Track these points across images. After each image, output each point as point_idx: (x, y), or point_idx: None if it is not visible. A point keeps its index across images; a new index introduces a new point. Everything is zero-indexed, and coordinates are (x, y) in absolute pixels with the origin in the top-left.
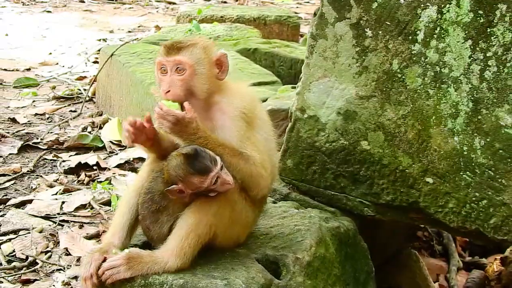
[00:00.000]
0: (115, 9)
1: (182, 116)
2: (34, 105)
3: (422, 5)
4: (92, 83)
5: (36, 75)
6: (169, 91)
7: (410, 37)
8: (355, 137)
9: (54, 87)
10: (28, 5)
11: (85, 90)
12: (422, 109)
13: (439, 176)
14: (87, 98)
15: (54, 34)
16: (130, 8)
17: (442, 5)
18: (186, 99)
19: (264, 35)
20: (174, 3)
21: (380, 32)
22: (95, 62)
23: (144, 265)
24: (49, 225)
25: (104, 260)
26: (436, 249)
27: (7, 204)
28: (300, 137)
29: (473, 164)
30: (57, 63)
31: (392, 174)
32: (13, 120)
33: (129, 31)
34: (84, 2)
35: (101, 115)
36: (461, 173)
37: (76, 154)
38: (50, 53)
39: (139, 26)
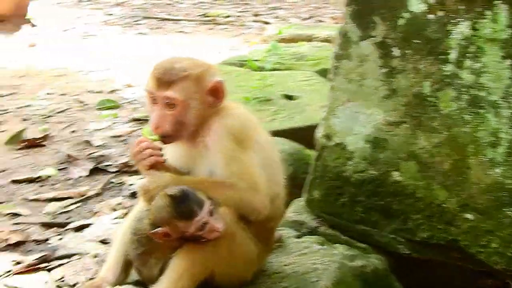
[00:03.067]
0: (209, 30)
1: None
2: (112, 128)
3: (453, 21)
4: None
5: (120, 96)
6: (158, 127)
7: (441, 57)
8: (385, 167)
9: (134, 109)
10: (124, 27)
11: None
12: (458, 136)
13: (479, 212)
14: None
15: (144, 56)
16: (224, 28)
17: (476, 21)
18: (176, 133)
19: None
20: (268, 23)
21: (408, 51)
22: None
23: None
24: (105, 250)
25: None
26: None
27: (66, 228)
28: (327, 166)
29: None
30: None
31: (427, 208)
32: (88, 143)
33: (219, 52)
34: (178, 23)
35: None
36: (505, 209)
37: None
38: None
39: (231, 47)
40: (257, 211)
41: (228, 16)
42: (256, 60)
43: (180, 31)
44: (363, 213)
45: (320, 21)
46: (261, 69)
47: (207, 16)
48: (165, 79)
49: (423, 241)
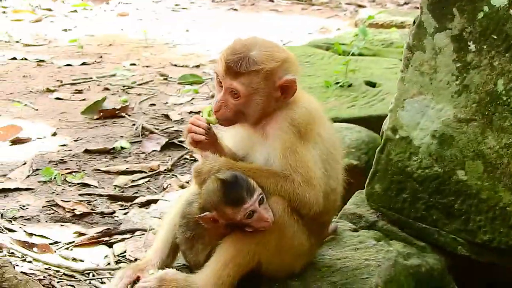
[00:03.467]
0: (303, 10)
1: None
2: (192, 103)
3: None
4: None
5: (203, 72)
6: (219, 110)
7: None
8: (450, 165)
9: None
10: (217, 2)
11: None
12: None
13: None
14: None
15: (234, 32)
16: (318, 9)
17: None
18: (235, 120)
19: None
20: (363, 6)
21: (484, 46)
22: None
23: None
24: None
25: (138, 279)
26: None
27: (133, 202)
28: (390, 160)
29: None
30: None
31: (491, 210)
32: (166, 117)
33: (309, 33)
34: (273, 1)
35: None
36: None
37: None
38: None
39: (321, 28)
40: (309, 206)
41: None
42: (343, 44)
43: (273, 9)
44: (424, 211)
45: (417, 7)
46: (346, 53)
47: None
48: (234, 67)
49: (484, 244)
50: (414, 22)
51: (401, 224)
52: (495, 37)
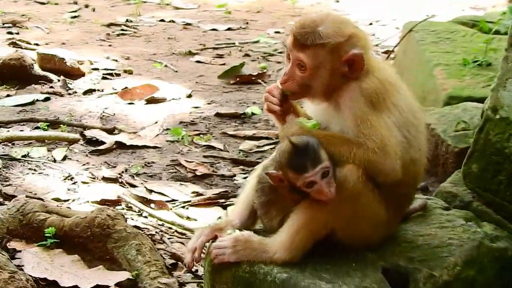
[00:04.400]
0: None
1: (274, 109)
2: None
3: None
4: (388, 57)
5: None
6: (285, 82)
7: None
8: None
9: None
10: None
11: None
12: None
13: None
14: None
15: (383, 5)
16: None
17: None
18: (302, 93)
19: None
20: None
21: None
22: None
23: (252, 251)
24: None
25: (215, 237)
26: None
27: (255, 168)
28: (489, 140)
29: None
30: (373, 35)
31: None
32: None
33: (462, 10)
34: None
35: None
36: None
37: None
38: (370, 23)
39: (476, 5)
40: (385, 173)
41: None
42: (490, 22)
43: None
44: None
45: None
46: (492, 31)
47: None
48: (301, 40)
49: None
50: None
51: (496, 206)
52: None
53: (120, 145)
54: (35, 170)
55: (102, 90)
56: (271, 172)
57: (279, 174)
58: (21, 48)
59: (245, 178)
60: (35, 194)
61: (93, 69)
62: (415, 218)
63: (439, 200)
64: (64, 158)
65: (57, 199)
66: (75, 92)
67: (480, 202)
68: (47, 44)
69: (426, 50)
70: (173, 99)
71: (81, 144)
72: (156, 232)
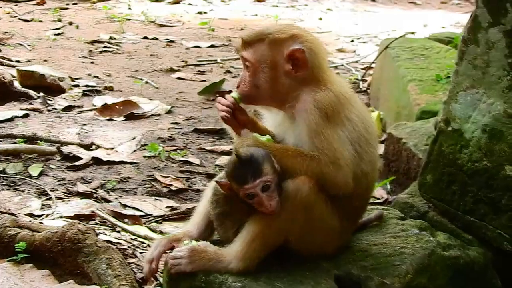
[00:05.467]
0: (442, 3)
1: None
2: None
3: None
4: (365, 73)
5: (328, 60)
6: (238, 86)
7: None
8: (499, 159)
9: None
10: None
11: (363, 80)
12: None
13: None
14: (363, 88)
15: (366, 22)
16: (458, 3)
17: None
18: (254, 95)
19: None
20: None
21: None
22: None
23: (207, 261)
24: None
25: (172, 248)
26: None
27: None
28: (442, 152)
29: None
30: (354, 51)
31: None
32: None
33: (443, 27)
34: None
35: (368, 106)
36: None
37: None
38: (352, 41)
39: (456, 23)
40: (338, 186)
41: None
42: None
43: (411, 2)
44: (472, 204)
45: None
46: None
47: None
48: (245, 40)
49: None
50: (470, 16)
51: (450, 216)
52: None
53: (96, 161)
54: (10, 186)
55: (82, 107)
56: (220, 181)
57: (228, 183)
58: (2, 65)
59: None
60: (9, 209)
61: (73, 85)
62: (371, 228)
63: (396, 211)
64: (40, 173)
65: (31, 215)
66: (55, 109)
67: (435, 212)
68: (29, 61)
69: (401, 66)
70: (152, 115)
71: (58, 160)
72: (128, 246)
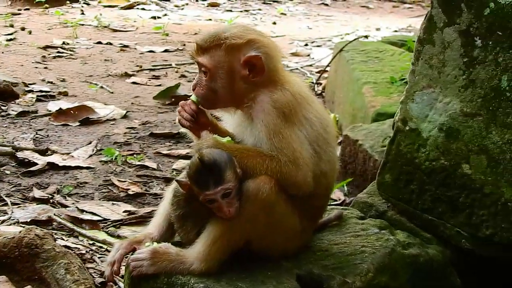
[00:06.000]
0: (393, 8)
1: (186, 124)
2: None
3: None
4: (320, 76)
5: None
6: (194, 88)
7: None
8: (456, 158)
9: None
10: None
11: (318, 83)
12: None
13: None
14: (318, 92)
15: (320, 26)
16: (409, 8)
17: None
18: (211, 99)
19: None
20: None
21: (490, 42)
22: None
23: (169, 263)
24: None
25: (134, 250)
26: None
27: None
28: (400, 151)
29: None
30: (308, 55)
31: (493, 205)
32: None
33: (395, 31)
34: None
35: None
36: None
37: None
38: (306, 44)
39: (408, 26)
40: (298, 186)
41: None
42: None
43: (364, 6)
44: (430, 203)
45: None
46: None
47: None
48: (201, 45)
49: (487, 238)
50: (425, 16)
51: (409, 215)
52: (500, 33)
53: (52, 166)
54: None
55: (36, 112)
56: (181, 180)
57: (188, 183)
58: None
59: None
60: None
61: (27, 91)
62: (331, 227)
63: (355, 210)
64: None
65: None
66: (9, 115)
67: (394, 211)
68: None
69: (355, 69)
70: (107, 120)
71: (13, 166)
72: (86, 251)
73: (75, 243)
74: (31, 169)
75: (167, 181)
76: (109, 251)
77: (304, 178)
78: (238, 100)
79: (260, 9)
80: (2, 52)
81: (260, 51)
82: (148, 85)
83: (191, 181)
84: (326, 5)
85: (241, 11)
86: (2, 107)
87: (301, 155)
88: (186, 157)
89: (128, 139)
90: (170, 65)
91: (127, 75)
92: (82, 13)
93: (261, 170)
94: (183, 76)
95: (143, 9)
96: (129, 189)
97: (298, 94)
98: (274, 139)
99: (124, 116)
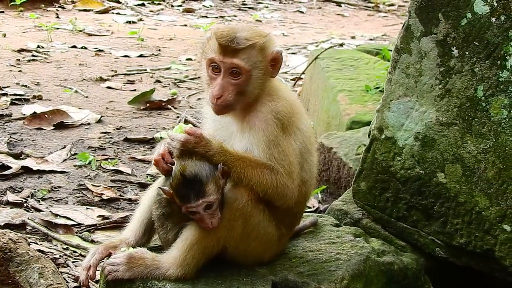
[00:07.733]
0: (368, 16)
1: (185, 139)
2: None
3: None
4: (295, 83)
5: None
6: (221, 96)
7: (498, 62)
8: (431, 167)
9: None
10: (284, 3)
11: (293, 91)
12: (505, 145)
13: None
14: None
15: (295, 33)
16: (384, 16)
17: None
18: (236, 103)
19: None
20: None
21: (467, 52)
22: None
23: (145, 268)
24: None
25: (109, 255)
26: None
27: None
28: (376, 159)
29: None
30: (284, 62)
31: (467, 214)
32: None
33: (371, 39)
34: (340, 6)
35: None
36: None
37: None
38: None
39: (382, 35)
40: (287, 197)
41: (392, 5)
42: (392, 50)
43: (339, 14)
44: (405, 211)
45: None
46: None
47: (371, 2)
48: (232, 46)
49: (461, 247)
50: (403, 25)
51: (384, 223)
52: (476, 43)
53: (26, 170)
54: None
55: (10, 115)
56: (164, 188)
57: (171, 193)
58: None
59: None
60: None
61: (1, 94)
62: (306, 234)
63: (330, 218)
64: None
65: None
66: None
67: (369, 219)
68: None
69: (330, 76)
70: (82, 124)
71: None
72: (60, 255)
73: (49, 248)
74: (4, 172)
75: (142, 186)
76: (83, 256)
77: (294, 191)
78: (251, 102)
79: (235, 16)
80: None
81: (276, 47)
82: (123, 90)
83: (174, 192)
84: (302, 12)
85: (216, 17)
86: None
87: (295, 169)
88: None
89: (102, 143)
90: (145, 70)
91: (102, 79)
92: (57, 17)
93: (259, 179)
94: (158, 81)
95: (118, 13)
96: (103, 194)
97: (294, 104)
98: (273, 149)
99: (99, 121)
